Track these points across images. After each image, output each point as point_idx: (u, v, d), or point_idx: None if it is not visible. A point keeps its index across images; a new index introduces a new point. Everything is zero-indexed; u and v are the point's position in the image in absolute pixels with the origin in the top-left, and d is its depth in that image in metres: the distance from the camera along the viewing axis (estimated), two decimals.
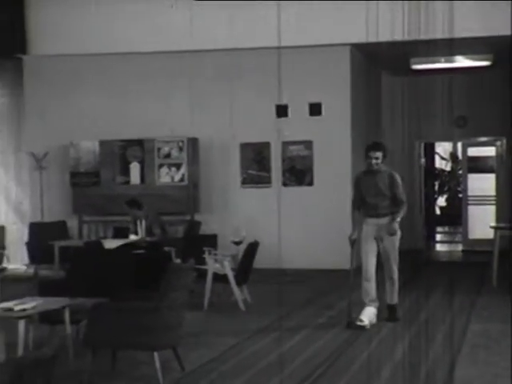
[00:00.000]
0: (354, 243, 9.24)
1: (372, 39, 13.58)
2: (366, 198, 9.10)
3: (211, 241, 12.18)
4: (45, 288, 8.62)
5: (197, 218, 14.19)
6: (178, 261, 11.01)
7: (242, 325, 9.29)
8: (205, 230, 13.68)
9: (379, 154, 8.91)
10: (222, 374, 6.99)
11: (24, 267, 14.06)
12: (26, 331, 6.92)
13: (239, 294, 10.25)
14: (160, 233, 12.16)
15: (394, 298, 9.27)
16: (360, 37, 13.61)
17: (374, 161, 8.91)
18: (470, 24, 12.84)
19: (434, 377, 6.92)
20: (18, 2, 14.75)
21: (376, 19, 13.31)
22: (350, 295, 9.14)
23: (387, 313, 9.26)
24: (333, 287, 12.18)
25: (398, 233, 9.14)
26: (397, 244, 9.20)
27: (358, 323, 8.79)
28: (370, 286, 9.09)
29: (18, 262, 14.19)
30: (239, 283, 10.30)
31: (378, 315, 9.16)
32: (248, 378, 6.91)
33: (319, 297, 11.38)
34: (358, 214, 9.29)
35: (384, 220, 9.05)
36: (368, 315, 8.94)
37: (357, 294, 9.19)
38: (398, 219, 9.05)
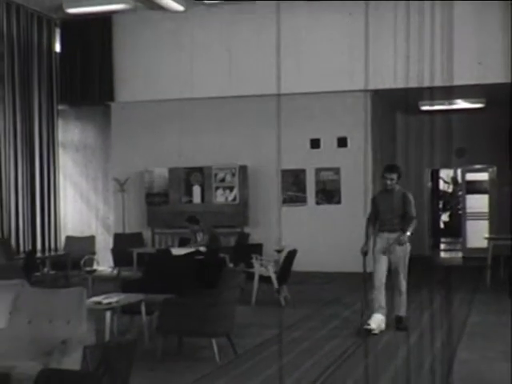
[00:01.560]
0: (366, 254, 8.47)
1: (388, 86, 13.61)
2: (381, 215, 8.42)
3: (258, 249, 12.15)
4: (126, 286, 8.66)
5: (246, 230, 14.20)
6: (231, 265, 11.01)
7: (282, 317, 9.28)
8: (252, 240, 13.68)
9: (394, 176, 8.29)
10: (266, 357, 6.99)
11: (110, 269, 14.15)
12: (111, 320, 6.99)
13: (280, 292, 10.23)
14: (215, 242, 12.12)
15: (401, 309, 8.38)
16: (378, 84, 13.62)
17: (389, 181, 8.28)
18: (467, 73, 12.77)
19: (441, 359, 6.87)
20: (107, 56, 14.95)
21: (392, 69, 13.32)
22: (364, 303, 8.51)
23: (395, 323, 8.34)
24: (357, 287, 12.10)
25: (408, 247, 8.39)
26: (406, 258, 8.39)
27: (366, 327, 8.00)
28: (379, 294, 8.25)
29: (105, 264, 14.28)
30: (280, 283, 10.28)
31: (388, 325, 8.27)
32: (288, 360, 6.91)
33: (345, 295, 11.33)
34: (371, 228, 8.53)
35: (395, 235, 8.30)
36: (375, 321, 8.11)
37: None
38: (408, 233, 8.30)
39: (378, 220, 8.48)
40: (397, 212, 8.31)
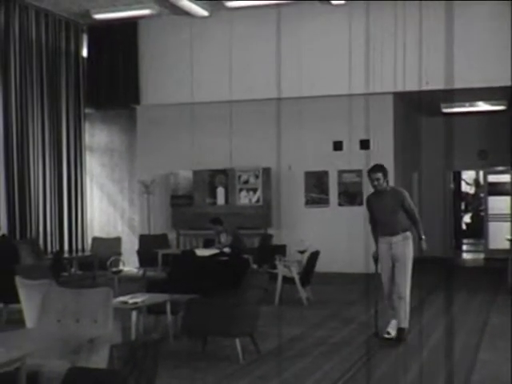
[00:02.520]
0: (377, 260, 7.98)
1: (410, 88, 13.55)
2: (378, 218, 7.83)
3: (281, 250, 12.16)
4: (151, 286, 8.68)
5: (269, 231, 14.21)
6: (255, 266, 11.02)
7: (305, 317, 9.29)
8: (276, 241, 13.70)
9: (379, 175, 7.64)
10: (289, 357, 7.00)
11: (135, 269, 14.23)
12: (137, 320, 7.04)
13: (303, 292, 10.22)
14: (238, 244, 12.14)
15: (401, 319, 7.71)
16: (400, 86, 13.58)
17: (375, 182, 7.65)
18: (489, 76, 12.68)
19: (463, 358, 6.85)
20: (132, 60, 15.04)
21: (414, 72, 13.27)
22: (376, 307, 8.04)
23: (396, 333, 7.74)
24: (377, 288, 12.06)
25: (411, 255, 7.77)
26: (409, 265, 7.74)
27: (386, 336, 7.67)
28: (391, 301, 7.80)
29: (130, 265, 14.35)
30: (303, 284, 10.27)
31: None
32: (310, 360, 6.91)
33: (367, 296, 11.28)
34: (377, 232, 7.96)
35: (397, 238, 7.69)
36: (394, 328, 7.74)
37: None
38: (423, 237, 7.81)
39: (377, 224, 7.90)
40: (394, 212, 7.70)
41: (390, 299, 7.82)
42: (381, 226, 7.83)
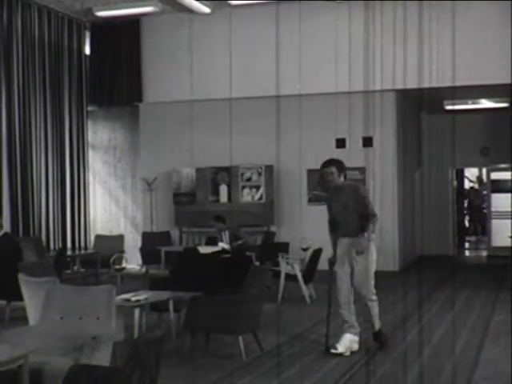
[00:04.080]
0: (333, 265, 7.19)
1: (412, 85, 13.54)
2: (335, 217, 7.14)
3: (283, 247, 12.15)
4: (154, 283, 8.69)
5: (272, 229, 14.21)
6: (257, 263, 11.01)
7: (308, 315, 9.29)
8: (278, 238, 13.69)
9: (332, 169, 6.99)
10: (292, 354, 7.00)
11: (138, 267, 14.24)
12: (139, 317, 7.04)
13: (306, 290, 10.22)
14: (244, 236, 12.13)
15: (374, 324, 7.19)
16: (403, 83, 13.56)
17: (329, 177, 7.01)
18: (491, 73, 12.66)
19: (466, 356, 6.84)
20: (135, 58, 15.04)
21: (416, 69, 13.25)
22: (328, 321, 7.19)
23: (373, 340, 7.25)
24: (381, 286, 12.06)
25: (373, 254, 7.08)
26: (371, 267, 7.09)
27: (332, 350, 6.90)
28: (346, 312, 7.03)
29: (133, 263, 14.37)
30: (306, 282, 10.27)
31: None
32: (312, 358, 6.91)
33: None
34: (335, 233, 7.20)
35: (354, 240, 6.92)
36: (344, 342, 6.96)
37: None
38: (366, 234, 6.84)
39: (335, 224, 7.20)
40: (351, 211, 6.95)
41: (344, 309, 7.02)
42: (339, 227, 7.13)
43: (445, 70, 13.05)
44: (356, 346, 7.04)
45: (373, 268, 7.14)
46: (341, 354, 6.85)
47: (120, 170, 16.02)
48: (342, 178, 7.06)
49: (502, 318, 8.79)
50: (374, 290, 7.16)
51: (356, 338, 7.06)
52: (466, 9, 12.88)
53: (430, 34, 13.21)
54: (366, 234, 6.83)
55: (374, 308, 7.16)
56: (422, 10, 13.10)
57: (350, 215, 6.96)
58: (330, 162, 7.14)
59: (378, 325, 7.21)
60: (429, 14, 13.15)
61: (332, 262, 7.20)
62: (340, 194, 7.06)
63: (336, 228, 7.16)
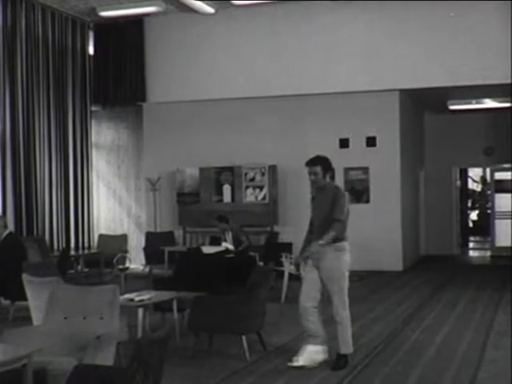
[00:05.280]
0: (298, 268, 6.94)
1: (416, 85, 13.53)
2: (313, 219, 6.67)
3: (287, 247, 12.13)
4: (157, 283, 8.70)
5: (275, 229, 14.21)
6: (261, 263, 11.01)
7: None
8: (282, 238, 13.69)
9: (317, 169, 6.48)
10: (296, 354, 6.99)
11: (142, 267, 14.26)
12: (143, 317, 7.04)
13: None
14: (246, 240, 12.13)
15: (341, 344, 6.46)
16: (406, 83, 13.56)
17: (312, 177, 6.52)
18: (495, 73, 12.64)
19: (469, 356, 6.83)
20: (139, 58, 15.06)
21: (420, 69, 13.25)
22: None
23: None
24: (385, 286, 12.09)
25: (344, 270, 6.46)
26: (343, 283, 6.48)
27: (288, 363, 6.41)
28: (305, 321, 6.48)
29: (137, 262, 14.39)
30: None
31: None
32: None
33: (373, 294, 11.30)
34: (309, 235, 6.71)
35: (325, 248, 6.33)
36: (306, 355, 6.42)
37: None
38: (322, 241, 6.23)
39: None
40: (325, 215, 6.44)
41: (306, 318, 6.48)
42: (313, 230, 6.63)
43: (448, 70, 13.05)
44: (321, 357, 6.45)
45: (344, 277, 6.50)
46: (303, 367, 6.33)
47: (124, 170, 16.04)
48: (327, 179, 6.57)
49: (505, 318, 8.77)
50: (345, 313, 6.53)
51: (319, 348, 6.46)
52: (470, 8, 12.86)
53: (433, 33, 13.20)
54: (320, 241, 6.25)
55: (343, 327, 6.48)
56: (426, 9, 13.09)
57: (324, 219, 6.44)
58: (315, 161, 6.60)
59: (343, 348, 6.45)
60: (432, 14, 13.14)
61: (297, 263, 6.88)
62: (321, 196, 6.61)
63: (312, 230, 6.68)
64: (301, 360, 6.39)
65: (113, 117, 16.10)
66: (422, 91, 14.02)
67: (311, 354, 6.45)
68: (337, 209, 6.38)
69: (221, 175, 14.68)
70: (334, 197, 6.44)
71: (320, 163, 6.53)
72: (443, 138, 17.32)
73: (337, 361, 6.43)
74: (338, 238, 6.43)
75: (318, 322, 6.51)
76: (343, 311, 6.48)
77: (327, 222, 6.37)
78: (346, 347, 6.46)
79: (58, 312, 5.47)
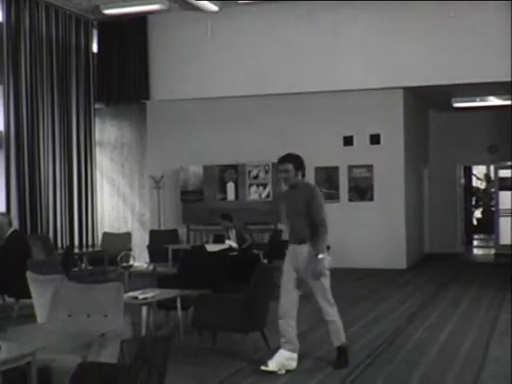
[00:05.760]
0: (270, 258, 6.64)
1: (420, 83, 13.53)
2: (287, 219, 6.46)
3: None
4: (161, 281, 8.68)
5: (279, 227, 14.21)
6: (265, 261, 11.01)
7: (314, 313, 9.26)
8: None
9: (289, 166, 6.27)
10: (300, 351, 6.99)
11: (146, 265, 14.27)
12: (147, 315, 7.05)
13: None
14: (250, 238, 12.13)
15: (334, 338, 6.41)
16: (411, 81, 13.55)
17: (284, 174, 6.30)
18: (499, 70, 12.62)
19: (473, 354, 6.84)
20: (142, 56, 15.07)
21: (424, 66, 13.24)
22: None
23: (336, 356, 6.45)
24: (389, 284, 12.09)
25: (326, 264, 6.22)
26: (325, 284, 6.31)
27: (262, 367, 6.21)
28: (284, 325, 6.33)
29: (141, 260, 14.40)
30: None
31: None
32: (319, 355, 6.91)
33: (377, 292, 11.29)
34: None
35: (302, 248, 6.21)
36: (278, 360, 6.24)
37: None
38: (321, 255, 6.11)
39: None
40: (301, 215, 6.24)
41: (285, 322, 6.35)
42: (289, 231, 6.46)
43: (452, 68, 13.04)
44: (293, 364, 6.29)
45: (326, 283, 6.35)
46: (274, 373, 6.16)
47: (127, 168, 16.05)
48: (299, 177, 6.36)
49: (509, 317, 8.77)
50: (332, 310, 6.40)
51: (294, 356, 6.31)
52: (476, 5, 12.84)
53: (437, 30, 13.19)
54: (320, 248, 6.13)
55: (334, 324, 6.39)
56: (430, 7, 13.08)
57: (300, 219, 6.24)
58: (287, 158, 6.38)
59: (337, 341, 6.41)
60: (436, 12, 13.13)
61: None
62: (293, 194, 6.39)
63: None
64: (270, 364, 6.23)
65: (116, 114, 16.12)
66: (425, 89, 14.01)
67: (284, 359, 6.28)
68: (318, 208, 6.24)
69: (224, 173, 14.69)
70: (312, 196, 6.28)
71: (292, 161, 6.35)
72: (447, 135, 17.31)
73: (337, 358, 6.42)
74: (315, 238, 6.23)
75: (294, 327, 6.39)
76: (330, 309, 6.38)
77: (304, 220, 6.22)
78: (339, 340, 6.41)
79: (62, 310, 5.48)
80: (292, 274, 6.33)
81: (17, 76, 13.10)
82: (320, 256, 6.13)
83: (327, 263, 6.27)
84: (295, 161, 6.35)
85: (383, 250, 13.86)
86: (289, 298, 6.36)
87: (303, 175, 6.45)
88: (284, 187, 6.75)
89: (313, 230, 6.20)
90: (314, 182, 14.44)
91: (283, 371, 6.22)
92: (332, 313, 6.36)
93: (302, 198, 6.27)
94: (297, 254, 6.26)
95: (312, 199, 6.23)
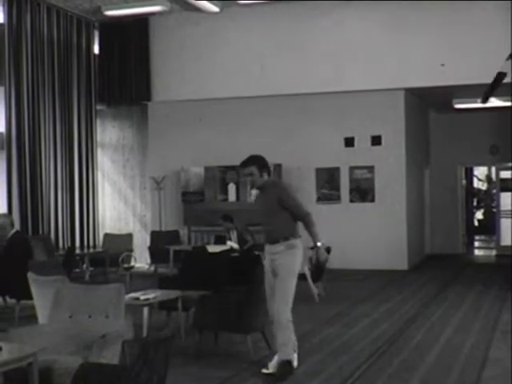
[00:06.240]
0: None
1: (421, 84, 13.53)
2: (261, 221, 6.32)
3: None
4: (162, 282, 8.70)
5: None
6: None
7: (317, 314, 9.29)
8: None
9: (252, 169, 6.17)
10: (300, 353, 6.99)
11: (147, 266, 14.28)
12: (148, 316, 7.06)
13: (315, 289, 10.22)
14: (251, 239, 12.11)
15: (281, 349, 6.06)
16: (412, 82, 13.55)
17: (249, 178, 6.23)
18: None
19: (474, 355, 6.84)
20: (144, 57, 15.09)
21: (425, 68, 13.24)
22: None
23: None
24: (390, 285, 12.09)
25: (293, 268, 6.06)
26: (289, 282, 6.05)
27: (263, 370, 6.20)
28: (275, 328, 6.15)
29: (142, 261, 14.41)
30: (314, 280, 10.28)
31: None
32: (321, 357, 6.91)
33: (379, 293, 11.29)
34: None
35: (278, 247, 6.08)
36: (274, 362, 6.19)
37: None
38: (319, 243, 6.04)
39: None
40: (272, 214, 6.12)
41: (273, 325, 6.19)
42: (264, 232, 6.36)
43: (454, 69, 13.04)
44: (295, 364, 6.21)
45: (289, 284, 6.06)
46: (273, 375, 6.07)
47: (129, 169, 16.07)
48: (264, 177, 6.23)
49: (509, 318, 8.76)
50: (287, 314, 6.04)
51: (293, 356, 6.19)
52: (476, 6, 12.84)
53: (438, 31, 13.19)
54: (318, 242, 6.04)
55: (283, 331, 6.01)
56: (431, 8, 13.08)
57: (272, 219, 6.13)
58: (248, 162, 6.26)
59: (283, 354, 6.04)
60: (437, 12, 13.13)
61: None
62: (263, 195, 6.29)
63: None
64: (270, 367, 6.18)
65: (118, 116, 16.13)
66: (427, 90, 14.01)
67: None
68: (295, 203, 6.17)
69: (226, 174, 14.69)
70: (282, 193, 6.16)
71: (254, 163, 6.23)
72: (448, 136, 17.31)
73: (278, 369, 6.03)
74: (289, 235, 6.13)
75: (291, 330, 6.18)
76: (283, 313, 6.01)
77: (276, 219, 6.10)
78: (284, 353, 6.04)
79: (64, 311, 5.48)
80: (270, 276, 6.20)
81: (18, 77, 13.12)
82: (319, 244, 6.06)
83: (299, 264, 6.13)
84: (258, 162, 6.23)
85: (384, 251, 13.86)
86: (273, 304, 6.15)
87: (269, 175, 6.31)
88: (254, 191, 6.66)
89: (293, 228, 6.15)
90: (314, 183, 14.51)
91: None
92: (283, 317, 6.00)
93: (271, 198, 6.15)
94: (271, 254, 6.16)
95: (283, 196, 6.13)
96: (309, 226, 6.13)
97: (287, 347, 6.03)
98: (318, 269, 10.28)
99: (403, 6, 13.28)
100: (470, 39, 12.94)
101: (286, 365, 6.05)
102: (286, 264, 6.05)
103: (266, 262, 6.25)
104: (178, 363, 6.20)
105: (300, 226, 6.27)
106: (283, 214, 6.12)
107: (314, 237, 6.11)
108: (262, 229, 6.35)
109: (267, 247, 6.23)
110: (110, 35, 15.27)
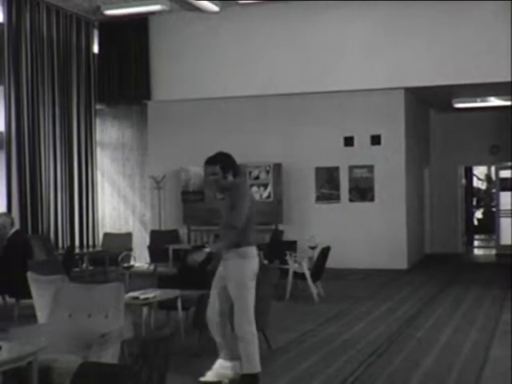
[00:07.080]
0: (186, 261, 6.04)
1: (421, 83, 13.52)
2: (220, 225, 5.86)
3: (292, 246, 12.14)
4: (162, 282, 8.65)
5: (280, 227, 14.20)
6: (266, 261, 11.02)
7: (316, 313, 9.28)
8: (286, 237, 13.68)
9: (216, 168, 5.74)
10: (300, 352, 7.00)
11: (146, 265, 14.27)
12: (148, 315, 7.06)
13: (314, 288, 10.22)
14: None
15: (242, 363, 5.64)
16: (412, 82, 13.54)
17: (211, 177, 5.77)
18: (500, 71, 12.60)
19: (474, 354, 6.83)
20: (143, 56, 15.08)
21: (425, 67, 13.23)
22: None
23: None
24: (390, 284, 12.08)
25: (247, 279, 5.55)
26: (246, 294, 5.58)
27: (200, 379, 5.82)
28: (214, 335, 5.87)
29: (142, 261, 14.38)
30: (314, 280, 10.28)
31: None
32: (321, 356, 6.91)
33: (378, 292, 11.29)
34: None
35: (229, 254, 5.60)
36: (216, 369, 5.86)
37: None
38: (207, 250, 5.58)
39: None
40: (225, 219, 5.71)
41: (213, 331, 5.88)
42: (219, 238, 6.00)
43: (454, 68, 13.04)
44: (230, 373, 5.86)
45: (244, 290, 5.58)
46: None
47: (128, 169, 16.06)
48: (228, 178, 5.76)
49: (509, 317, 8.76)
50: (248, 327, 5.63)
51: (228, 364, 5.86)
52: (476, 5, 12.84)
53: (438, 31, 13.18)
54: (208, 248, 5.64)
55: (247, 345, 5.60)
56: (431, 7, 13.08)
57: (224, 224, 5.73)
58: (213, 160, 5.83)
59: (248, 368, 5.63)
60: (437, 12, 13.12)
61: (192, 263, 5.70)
62: (226, 198, 5.80)
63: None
64: (208, 375, 5.85)
65: (117, 115, 16.12)
66: (427, 89, 14.00)
67: (218, 368, 5.88)
68: (234, 214, 5.55)
69: None
70: (233, 197, 5.65)
71: (219, 162, 5.78)
72: (448, 136, 17.31)
73: (244, 381, 5.65)
74: (242, 243, 5.58)
75: (227, 335, 5.85)
76: (246, 325, 5.60)
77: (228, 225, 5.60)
78: (250, 366, 5.62)
79: (63, 310, 5.48)
80: (218, 281, 5.79)
81: (18, 77, 13.10)
82: (207, 250, 5.59)
83: (250, 274, 5.59)
84: (222, 161, 5.78)
85: (384, 251, 13.85)
86: (216, 306, 5.79)
87: (235, 175, 5.80)
88: (218, 194, 6.17)
89: (246, 234, 5.63)
90: (314, 182, 14.50)
91: (226, 381, 5.81)
92: (247, 330, 5.60)
93: (227, 201, 5.72)
94: (224, 260, 5.70)
95: (232, 201, 5.64)
96: (223, 237, 5.68)
97: (254, 361, 5.64)
98: (319, 267, 10.27)
99: (403, 6, 13.27)
100: (469, 39, 12.93)
101: (252, 379, 5.65)
102: (234, 277, 5.59)
103: (220, 267, 5.79)
104: (178, 362, 6.19)
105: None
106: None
107: (215, 244, 5.84)
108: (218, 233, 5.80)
109: (223, 253, 5.68)
110: (110, 35, 15.26)
